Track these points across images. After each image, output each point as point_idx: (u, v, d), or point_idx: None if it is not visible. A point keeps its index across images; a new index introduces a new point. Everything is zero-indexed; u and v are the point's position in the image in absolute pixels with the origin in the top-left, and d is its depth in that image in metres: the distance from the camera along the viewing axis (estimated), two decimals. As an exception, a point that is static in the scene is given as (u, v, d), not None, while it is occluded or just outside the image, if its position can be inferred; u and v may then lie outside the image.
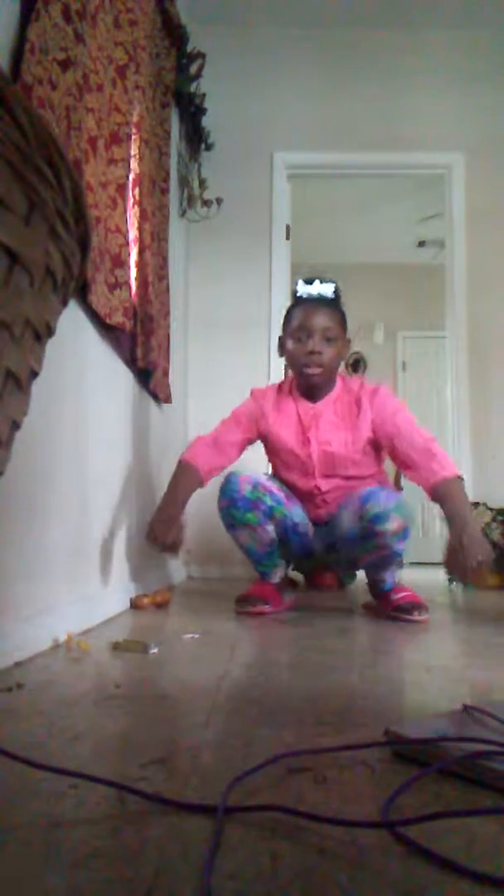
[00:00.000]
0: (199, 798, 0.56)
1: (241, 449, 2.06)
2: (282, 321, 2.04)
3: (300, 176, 3.72)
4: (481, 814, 0.53)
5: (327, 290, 1.97)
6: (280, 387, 2.09)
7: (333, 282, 2.00)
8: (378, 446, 1.99)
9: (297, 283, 2.02)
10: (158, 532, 1.86)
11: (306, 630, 1.61)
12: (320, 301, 1.95)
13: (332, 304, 1.96)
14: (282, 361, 3.52)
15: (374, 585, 1.95)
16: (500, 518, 3.04)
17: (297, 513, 2.00)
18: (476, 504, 3.12)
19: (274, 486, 1.95)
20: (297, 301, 1.99)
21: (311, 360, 1.91)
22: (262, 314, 3.55)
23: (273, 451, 2.06)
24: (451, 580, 3.22)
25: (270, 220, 3.60)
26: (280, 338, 2.02)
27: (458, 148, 3.60)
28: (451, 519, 1.75)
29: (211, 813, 0.53)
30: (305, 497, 2.03)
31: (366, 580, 2.02)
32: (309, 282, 1.99)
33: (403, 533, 1.78)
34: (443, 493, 1.78)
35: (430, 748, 0.64)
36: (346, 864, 0.45)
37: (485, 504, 3.12)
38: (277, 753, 0.65)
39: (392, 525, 1.74)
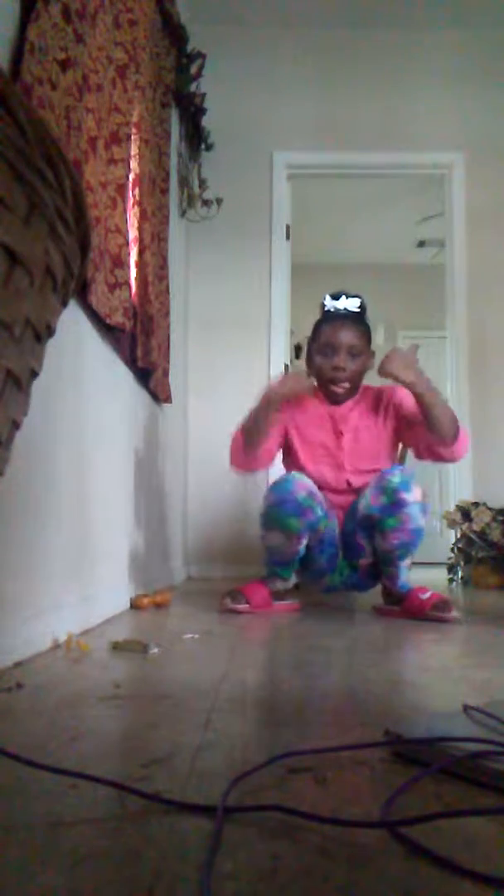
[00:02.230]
0: (199, 798, 0.56)
1: (277, 450, 2.13)
2: (310, 333, 2.14)
3: (300, 176, 3.72)
4: (481, 814, 0.53)
5: (353, 304, 2.07)
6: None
7: (359, 297, 2.09)
8: (401, 435, 2.07)
9: (324, 298, 2.12)
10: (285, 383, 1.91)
11: (306, 630, 1.61)
12: (346, 317, 2.05)
13: (358, 320, 2.06)
14: (281, 361, 3.52)
15: (391, 587, 1.94)
16: (500, 518, 3.04)
17: (334, 526, 2.04)
18: (476, 504, 3.13)
19: (323, 498, 1.99)
20: (325, 316, 2.08)
21: (336, 376, 2.03)
22: (262, 314, 3.55)
23: (302, 446, 2.08)
24: (451, 580, 3.22)
25: (270, 220, 3.60)
26: (307, 351, 2.13)
27: (458, 148, 3.60)
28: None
29: (211, 813, 0.53)
30: (331, 495, 2.05)
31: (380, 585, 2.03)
32: (336, 297, 2.09)
33: (424, 505, 1.85)
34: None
35: (430, 748, 0.64)
36: (346, 864, 0.45)
37: (485, 504, 3.12)
38: (277, 753, 0.65)
39: (415, 494, 1.83)
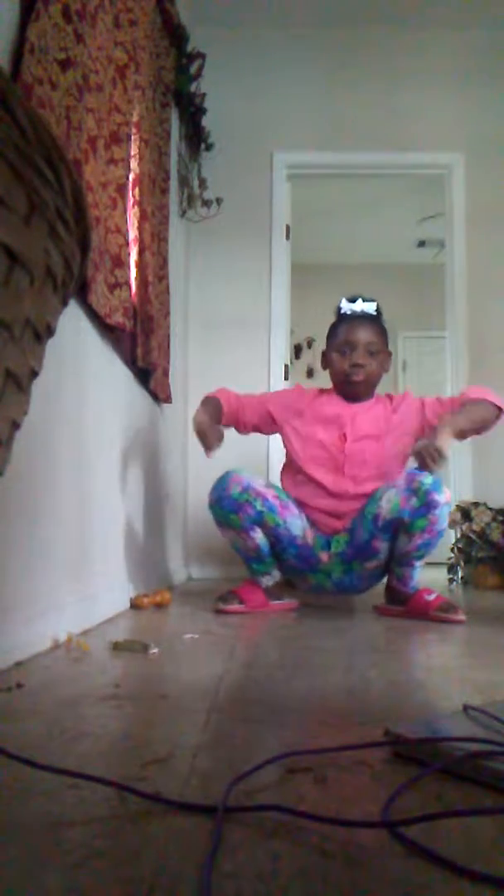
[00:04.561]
0: (199, 798, 0.56)
1: (251, 430, 2.17)
2: (325, 335, 2.14)
3: (300, 176, 3.72)
4: (481, 814, 0.53)
5: (370, 307, 2.10)
6: (322, 390, 2.20)
7: (375, 301, 2.13)
8: (421, 435, 2.08)
9: (340, 301, 2.14)
10: (198, 427, 1.93)
11: (306, 630, 1.61)
12: (364, 317, 2.07)
13: (375, 321, 2.08)
14: (281, 361, 3.52)
15: (401, 587, 1.93)
16: (500, 518, 3.04)
17: (294, 524, 1.99)
18: (476, 504, 3.12)
19: (269, 493, 1.96)
20: (341, 317, 2.10)
21: (354, 371, 2.04)
22: (262, 314, 3.55)
23: (301, 445, 2.08)
24: (451, 580, 3.22)
25: (270, 220, 3.60)
26: (324, 352, 2.14)
27: (458, 148, 3.60)
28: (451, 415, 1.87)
29: (211, 813, 0.53)
30: (324, 503, 2.03)
31: (384, 584, 2.03)
32: (352, 300, 2.12)
33: (447, 508, 1.86)
34: (459, 409, 1.93)
35: (430, 748, 0.64)
36: (346, 864, 0.45)
37: (485, 504, 3.12)
38: (277, 753, 0.65)
39: (446, 495, 1.84)
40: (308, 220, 4.77)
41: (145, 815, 0.52)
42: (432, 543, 1.87)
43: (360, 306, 2.09)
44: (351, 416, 2.06)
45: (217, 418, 2.03)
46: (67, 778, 0.59)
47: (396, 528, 1.89)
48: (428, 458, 1.77)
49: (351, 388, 2.06)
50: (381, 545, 1.94)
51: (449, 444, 1.81)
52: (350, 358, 2.04)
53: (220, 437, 1.94)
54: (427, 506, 1.81)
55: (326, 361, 2.13)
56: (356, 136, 3.60)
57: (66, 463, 1.44)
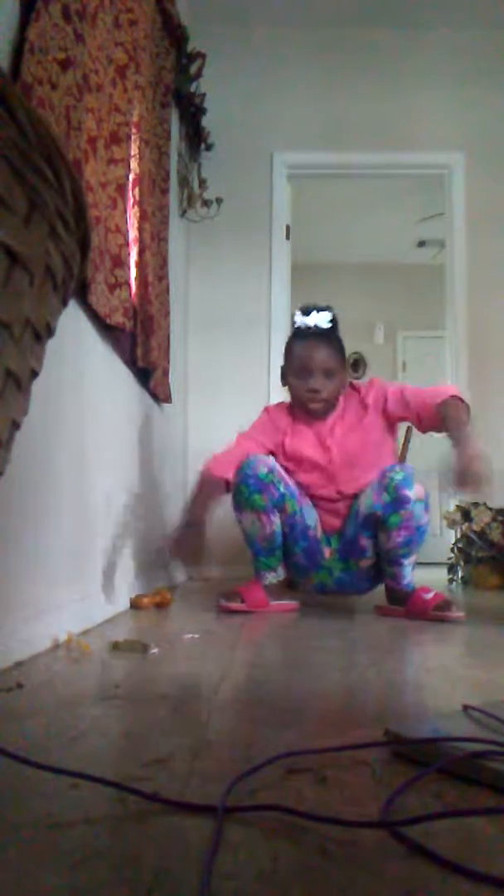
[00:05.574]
0: (199, 798, 0.56)
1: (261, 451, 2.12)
2: (283, 351, 2.12)
3: (300, 176, 3.72)
4: (481, 814, 0.53)
5: (324, 319, 2.04)
6: (290, 408, 2.17)
7: (330, 309, 2.06)
8: (394, 425, 2.08)
9: (294, 315, 2.09)
10: (176, 543, 1.90)
11: (306, 630, 1.61)
12: (318, 336, 2.02)
13: (330, 336, 2.03)
14: (280, 361, 3.52)
15: (396, 586, 1.94)
16: (500, 518, 3.04)
17: (309, 514, 2.03)
18: (476, 504, 3.12)
19: (291, 480, 2.01)
20: (296, 334, 2.06)
21: (313, 398, 2.02)
22: (262, 314, 3.55)
23: (292, 461, 2.09)
24: (451, 580, 3.22)
25: (270, 220, 3.59)
26: (282, 368, 2.11)
27: (458, 148, 3.60)
28: (455, 440, 1.79)
29: (211, 813, 0.53)
30: (324, 503, 2.05)
31: (383, 585, 2.03)
32: (306, 312, 2.06)
33: (425, 503, 1.87)
34: (443, 416, 1.88)
35: (430, 748, 0.64)
36: (346, 864, 0.45)
37: (485, 504, 3.12)
38: (277, 753, 0.65)
39: (417, 491, 1.84)
40: (308, 219, 4.77)
41: (145, 815, 0.52)
42: (414, 541, 1.88)
43: (313, 319, 2.04)
44: (329, 428, 2.08)
45: (217, 500, 2.03)
46: (67, 778, 0.59)
47: (374, 524, 1.92)
48: (472, 486, 1.63)
49: (313, 411, 2.05)
50: (366, 542, 1.97)
51: (481, 460, 1.67)
52: (307, 384, 2.02)
53: (200, 555, 1.93)
54: (398, 501, 1.83)
55: (285, 380, 2.11)
56: (356, 136, 3.60)
57: (66, 463, 1.44)
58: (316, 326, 2.03)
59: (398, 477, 1.84)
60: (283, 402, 2.24)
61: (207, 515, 2.00)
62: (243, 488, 1.94)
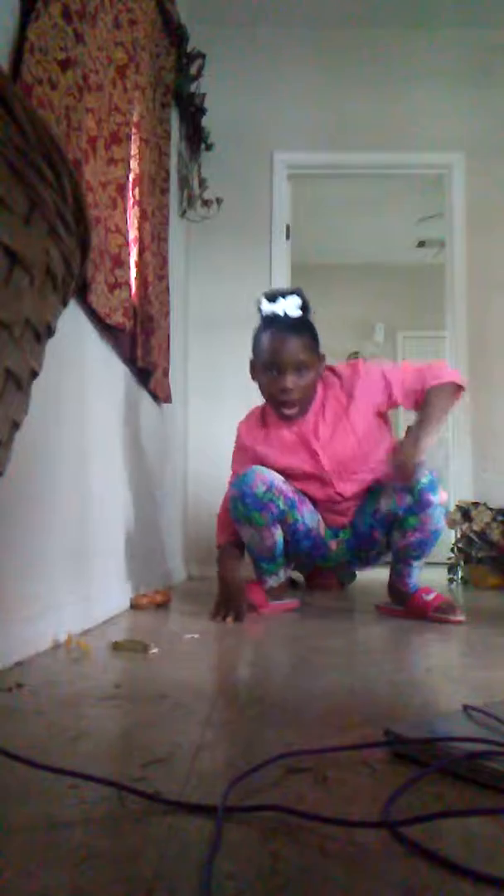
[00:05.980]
0: (199, 798, 0.56)
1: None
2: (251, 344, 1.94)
3: (300, 176, 3.71)
4: (481, 814, 0.53)
5: (293, 305, 1.85)
6: (264, 411, 2.04)
7: (298, 293, 1.87)
8: (386, 410, 1.97)
9: (259, 302, 1.90)
10: (226, 608, 1.78)
11: (306, 630, 1.61)
12: (287, 327, 1.83)
13: (300, 325, 1.85)
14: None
15: (400, 585, 1.93)
16: (500, 518, 3.04)
17: (311, 518, 2.00)
18: (476, 504, 3.12)
19: (289, 490, 1.93)
20: (264, 324, 1.89)
21: (285, 398, 1.85)
22: (262, 314, 3.54)
23: (283, 474, 1.97)
24: (451, 580, 3.21)
25: (270, 220, 3.59)
26: (251, 361, 1.94)
27: (458, 148, 3.60)
28: (410, 431, 1.79)
29: (211, 813, 0.53)
30: (324, 505, 2.02)
31: (386, 582, 2.02)
32: (272, 299, 1.87)
33: (444, 509, 1.85)
34: (424, 402, 1.84)
35: (430, 748, 0.64)
36: (346, 864, 0.45)
37: (485, 504, 3.12)
38: (277, 753, 0.65)
39: (441, 497, 1.82)
40: (308, 219, 4.77)
41: (145, 815, 0.52)
42: (427, 543, 1.86)
43: (281, 306, 1.84)
44: (311, 428, 1.93)
45: (240, 559, 2.00)
46: (67, 778, 0.59)
47: (391, 523, 1.91)
48: (401, 477, 1.75)
49: (287, 410, 1.88)
50: (381, 537, 1.98)
51: (421, 458, 1.75)
52: (278, 381, 1.83)
53: (244, 611, 1.79)
54: (421, 504, 1.81)
55: (254, 373, 1.93)
56: (356, 136, 3.60)
57: (66, 463, 1.44)
58: (285, 314, 1.84)
59: (425, 481, 1.79)
60: (254, 410, 2.09)
61: (238, 574, 1.92)
62: (241, 505, 1.86)
